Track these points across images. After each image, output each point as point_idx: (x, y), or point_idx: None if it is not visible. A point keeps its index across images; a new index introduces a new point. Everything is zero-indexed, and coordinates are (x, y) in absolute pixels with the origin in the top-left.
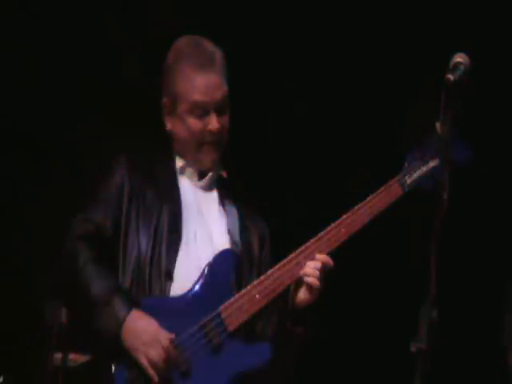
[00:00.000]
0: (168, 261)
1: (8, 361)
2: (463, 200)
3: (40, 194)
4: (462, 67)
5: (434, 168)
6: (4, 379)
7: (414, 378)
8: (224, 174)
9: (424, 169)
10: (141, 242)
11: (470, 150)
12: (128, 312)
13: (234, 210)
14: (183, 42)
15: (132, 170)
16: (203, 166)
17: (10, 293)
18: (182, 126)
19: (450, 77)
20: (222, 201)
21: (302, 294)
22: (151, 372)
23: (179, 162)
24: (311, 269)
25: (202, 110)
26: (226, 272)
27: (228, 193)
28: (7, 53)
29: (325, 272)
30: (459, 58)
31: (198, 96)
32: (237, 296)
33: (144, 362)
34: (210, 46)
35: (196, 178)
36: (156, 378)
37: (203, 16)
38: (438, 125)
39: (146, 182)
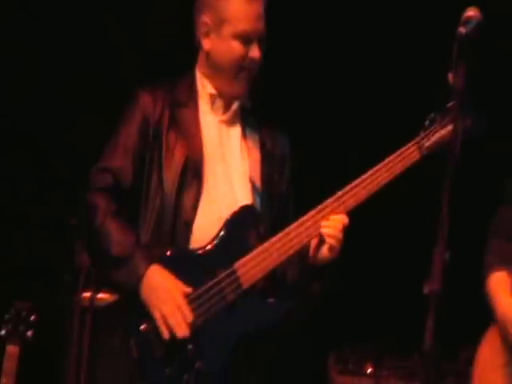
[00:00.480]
0: (189, 211)
1: (38, 300)
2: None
3: (40, 194)
4: (473, 21)
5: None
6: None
7: (426, 319)
8: (248, 105)
9: (442, 132)
10: (164, 191)
11: (485, 119)
12: (147, 268)
13: (256, 142)
14: None
15: (154, 107)
16: (234, 93)
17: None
18: (225, 47)
19: (462, 30)
20: (245, 133)
21: (322, 253)
22: (163, 327)
23: (210, 90)
24: (333, 230)
25: (247, 38)
26: (244, 229)
27: (251, 121)
28: (7, 53)
29: (343, 231)
30: (471, 11)
31: (247, 24)
32: (254, 253)
33: (157, 316)
34: None
35: (221, 111)
36: (166, 334)
37: None
38: (450, 75)
39: (170, 122)
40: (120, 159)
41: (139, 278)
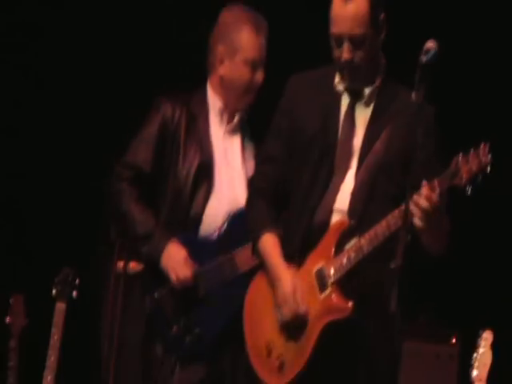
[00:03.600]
0: (200, 205)
1: (81, 267)
2: None
3: (40, 193)
4: (432, 51)
5: None
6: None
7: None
8: (245, 117)
9: None
10: (180, 187)
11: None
12: (166, 243)
13: (251, 150)
14: (238, 8)
15: (173, 116)
16: (241, 106)
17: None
18: (237, 73)
19: (423, 58)
20: (243, 142)
21: None
22: (178, 286)
23: (220, 104)
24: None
25: (254, 65)
26: (243, 225)
27: (247, 131)
28: (7, 53)
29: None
30: (430, 43)
31: (256, 54)
32: (249, 245)
33: (174, 277)
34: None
35: (226, 122)
36: (180, 290)
37: (203, 16)
38: (413, 94)
39: (186, 132)
40: (141, 152)
41: (160, 252)
